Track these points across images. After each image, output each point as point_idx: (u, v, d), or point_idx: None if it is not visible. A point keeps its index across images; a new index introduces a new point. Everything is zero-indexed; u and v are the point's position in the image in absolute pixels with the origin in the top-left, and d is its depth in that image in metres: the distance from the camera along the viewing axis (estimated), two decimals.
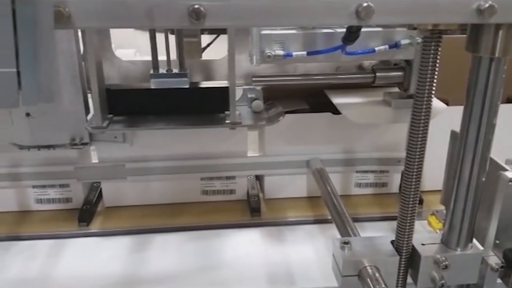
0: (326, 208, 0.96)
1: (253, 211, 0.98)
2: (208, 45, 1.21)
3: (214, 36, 1.26)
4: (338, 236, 0.78)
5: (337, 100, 0.94)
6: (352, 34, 0.71)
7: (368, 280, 0.60)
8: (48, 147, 0.90)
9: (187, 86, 0.92)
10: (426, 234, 0.68)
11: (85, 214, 0.95)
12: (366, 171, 1.04)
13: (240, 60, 0.95)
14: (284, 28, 0.81)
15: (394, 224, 0.94)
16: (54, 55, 0.40)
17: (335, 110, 0.98)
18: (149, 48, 0.93)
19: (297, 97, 1.04)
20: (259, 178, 1.08)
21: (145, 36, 0.93)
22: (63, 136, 0.90)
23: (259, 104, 0.93)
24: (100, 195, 1.01)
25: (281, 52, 0.79)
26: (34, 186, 0.97)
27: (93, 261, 0.84)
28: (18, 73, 0.40)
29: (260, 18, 0.47)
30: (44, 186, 0.97)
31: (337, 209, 0.80)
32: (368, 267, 0.62)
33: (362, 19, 0.46)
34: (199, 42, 1.16)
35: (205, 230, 0.93)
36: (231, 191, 1.03)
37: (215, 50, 1.13)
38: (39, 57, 0.40)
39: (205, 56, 1.09)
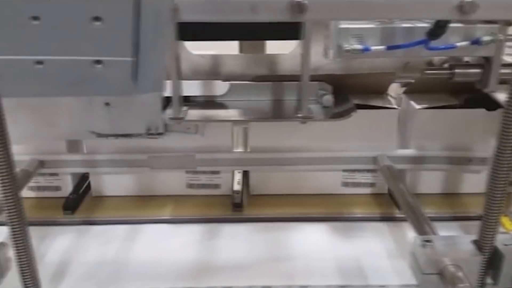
0: (393, 205, 0.96)
1: None
2: None
3: None
4: (411, 234, 0.77)
5: None
6: (439, 29, 0.69)
7: (451, 278, 0.60)
8: (125, 136, 0.93)
9: None
10: (507, 235, 0.66)
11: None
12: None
13: None
14: (362, 21, 0.80)
15: (465, 224, 0.94)
16: (167, 47, 0.42)
17: None
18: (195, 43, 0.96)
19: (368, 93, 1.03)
20: None
21: None
22: (140, 126, 0.93)
23: (329, 98, 0.93)
24: None
25: (359, 47, 0.78)
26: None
27: (166, 247, 0.87)
28: (135, 62, 0.41)
29: (361, 11, 0.47)
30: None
31: (412, 207, 0.79)
32: (450, 266, 0.61)
33: (465, 13, 0.46)
34: None
35: (271, 222, 0.94)
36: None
37: None
38: (155, 48, 0.41)
39: None
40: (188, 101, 0.92)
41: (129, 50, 0.40)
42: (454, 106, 0.98)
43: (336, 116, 0.90)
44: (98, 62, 0.40)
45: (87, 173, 1.04)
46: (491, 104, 0.92)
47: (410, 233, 0.83)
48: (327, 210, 0.98)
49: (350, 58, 0.88)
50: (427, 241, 0.63)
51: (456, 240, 0.65)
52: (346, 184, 1.04)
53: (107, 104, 0.91)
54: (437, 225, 0.92)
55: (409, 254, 0.66)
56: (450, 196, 1.03)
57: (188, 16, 0.45)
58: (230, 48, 1.03)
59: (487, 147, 0.81)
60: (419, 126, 0.98)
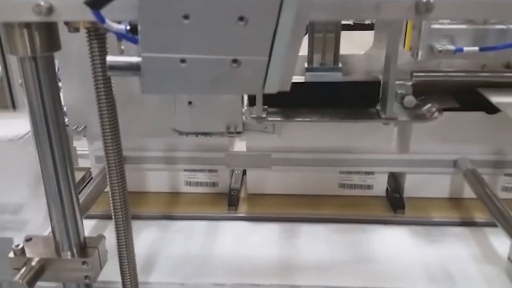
0: (477, 210, 0.94)
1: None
2: None
3: None
4: (500, 241, 0.75)
5: (498, 99, 0.90)
6: None
7: None
8: (205, 134, 0.95)
9: (340, 80, 0.93)
10: None
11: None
12: None
13: (382, 55, 0.94)
14: (454, 22, 0.79)
15: None
16: (299, 46, 0.43)
17: (487, 109, 0.94)
18: None
19: (445, 94, 1.01)
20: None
21: None
22: (219, 125, 0.94)
23: (411, 99, 0.91)
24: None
25: (451, 47, 0.77)
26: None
27: (247, 244, 0.88)
28: (269, 61, 0.42)
29: (489, 11, 0.46)
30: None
31: (502, 213, 0.77)
32: None
33: None
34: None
35: (349, 223, 0.94)
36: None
37: None
38: (290, 47, 0.42)
39: None
40: (270, 100, 0.92)
41: (266, 49, 0.41)
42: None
43: (421, 117, 0.88)
44: (235, 61, 0.41)
45: None
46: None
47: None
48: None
49: (441, 59, 0.86)
50: None
51: None
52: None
53: (189, 103, 0.93)
54: None
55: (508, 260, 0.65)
56: None
57: (314, 16, 0.46)
58: None
59: None
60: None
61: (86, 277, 0.65)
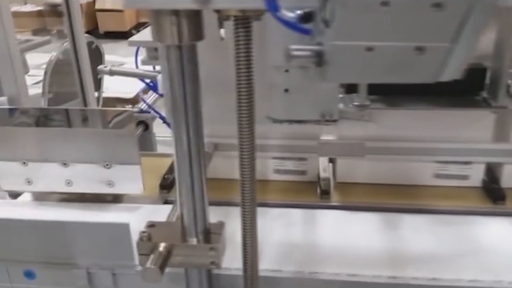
0: None
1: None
2: None
3: None
4: None
5: None
6: None
7: None
8: (300, 122, 0.94)
9: None
10: None
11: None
12: None
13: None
14: None
15: None
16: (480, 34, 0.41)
17: None
18: None
19: None
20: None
21: None
22: (314, 112, 0.94)
23: None
24: None
25: None
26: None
27: (350, 233, 0.88)
28: (451, 49, 0.41)
29: None
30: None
31: None
32: None
33: None
34: None
35: (450, 214, 0.92)
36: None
37: None
38: (473, 35, 0.40)
39: None
40: (371, 88, 0.91)
41: (455, 36, 0.40)
42: None
43: None
44: (419, 48, 0.40)
45: None
46: None
47: None
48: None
49: None
50: None
51: None
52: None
53: (286, 90, 0.93)
54: None
55: None
56: None
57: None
58: None
59: None
60: None
61: (212, 263, 0.66)
